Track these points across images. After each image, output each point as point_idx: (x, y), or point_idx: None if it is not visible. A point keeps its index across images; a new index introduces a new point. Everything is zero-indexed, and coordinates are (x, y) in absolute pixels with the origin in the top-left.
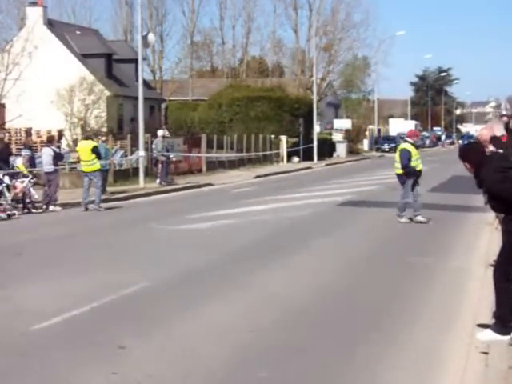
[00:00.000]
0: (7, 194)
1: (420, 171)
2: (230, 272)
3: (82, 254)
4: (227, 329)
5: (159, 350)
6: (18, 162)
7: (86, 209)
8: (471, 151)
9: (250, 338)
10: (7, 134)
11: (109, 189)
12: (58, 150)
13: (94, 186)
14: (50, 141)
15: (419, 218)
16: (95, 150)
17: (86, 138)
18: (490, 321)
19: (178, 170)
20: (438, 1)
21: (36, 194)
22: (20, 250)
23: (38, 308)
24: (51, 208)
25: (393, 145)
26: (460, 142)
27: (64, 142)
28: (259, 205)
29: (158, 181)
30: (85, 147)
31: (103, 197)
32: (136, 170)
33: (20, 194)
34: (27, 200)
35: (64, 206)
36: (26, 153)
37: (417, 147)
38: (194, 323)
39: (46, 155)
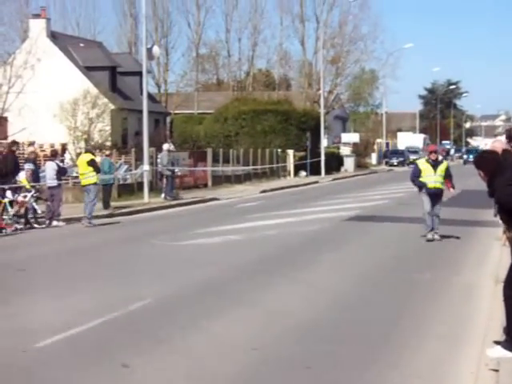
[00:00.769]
0: (10, 208)
1: (433, 189)
2: (236, 288)
3: (85, 270)
4: (232, 346)
5: (163, 368)
6: (21, 176)
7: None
8: (487, 160)
9: (255, 356)
10: (16, 146)
11: (113, 203)
12: (61, 164)
13: (87, 199)
14: (53, 155)
15: (428, 236)
16: (91, 163)
17: (86, 151)
18: (501, 337)
19: (184, 184)
20: (447, 13)
21: (39, 209)
22: (23, 265)
23: (40, 325)
24: (54, 223)
25: (401, 159)
26: (465, 157)
27: (67, 156)
28: (266, 220)
29: (162, 195)
30: (82, 160)
31: (106, 212)
32: (140, 185)
33: (23, 209)
34: (30, 215)
35: (67, 220)
36: (29, 166)
37: (435, 165)
38: (198, 340)
39: (49, 169)
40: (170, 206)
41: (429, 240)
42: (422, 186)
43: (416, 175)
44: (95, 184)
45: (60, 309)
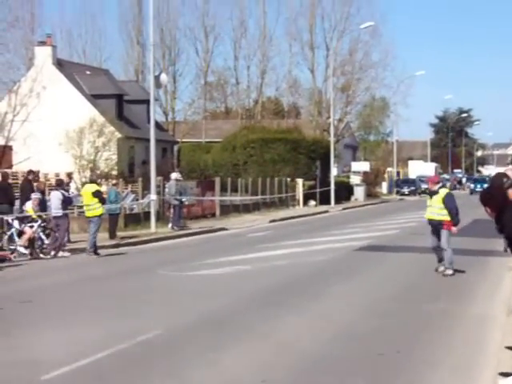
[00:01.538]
0: (17, 239)
1: (429, 220)
2: (244, 319)
3: (93, 301)
4: (240, 378)
5: None
6: (28, 206)
7: (96, 254)
8: (493, 196)
9: None
10: (32, 175)
11: (119, 234)
12: (66, 194)
13: (89, 230)
14: (58, 184)
15: (439, 268)
16: (97, 194)
17: (91, 181)
18: None
19: (191, 214)
20: (459, 41)
21: (47, 240)
22: (29, 297)
23: (47, 357)
24: (60, 253)
25: (413, 188)
26: (472, 186)
27: (73, 186)
28: (275, 250)
29: (170, 225)
30: (87, 191)
31: (113, 242)
32: (147, 214)
33: (29, 240)
34: (38, 244)
35: (73, 251)
36: (36, 196)
37: (431, 194)
38: (207, 373)
39: (54, 199)
40: (177, 236)
41: (440, 272)
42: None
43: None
44: (100, 216)
45: (66, 340)
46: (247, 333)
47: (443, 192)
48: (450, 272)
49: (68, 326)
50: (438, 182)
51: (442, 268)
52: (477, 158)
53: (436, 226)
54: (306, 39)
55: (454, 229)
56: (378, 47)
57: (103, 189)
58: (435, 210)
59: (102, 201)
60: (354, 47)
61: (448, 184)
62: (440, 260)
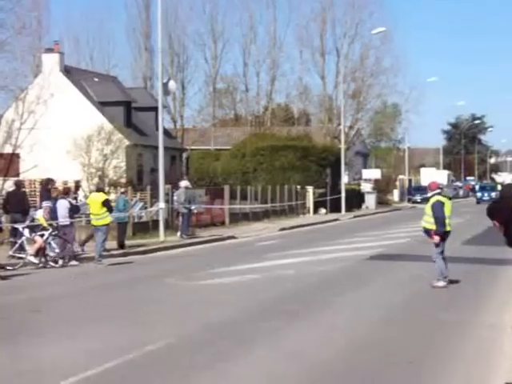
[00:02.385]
0: (27, 247)
1: (424, 229)
2: (254, 329)
3: (101, 310)
4: None
5: None
6: (38, 214)
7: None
8: (499, 209)
9: None
10: (52, 184)
11: (127, 242)
12: (74, 202)
13: (98, 239)
14: (65, 192)
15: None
16: (106, 204)
17: (98, 190)
18: None
19: (200, 222)
20: (471, 47)
21: (57, 248)
22: (38, 306)
23: (54, 367)
24: (69, 262)
25: (425, 195)
26: (479, 195)
27: (81, 194)
28: (285, 259)
29: (178, 234)
30: (95, 200)
31: (121, 251)
32: (156, 223)
33: (39, 249)
34: (49, 254)
35: (81, 260)
36: (46, 204)
37: (426, 201)
38: (215, 382)
39: (61, 207)
40: (186, 245)
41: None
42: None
43: None
44: (108, 225)
45: (74, 350)
46: (256, 343)
47: (433, 199)
48: (440, 284)
49: (76, 336)
50: (434, 189)
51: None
52: (490, 164)
53: (426, 234)
54: (316, 45)
55: (436, 238)
56: (389, 53)
57: (111, 197)
58: (426, 218)
59: (110, 210)
60: (365, 53)
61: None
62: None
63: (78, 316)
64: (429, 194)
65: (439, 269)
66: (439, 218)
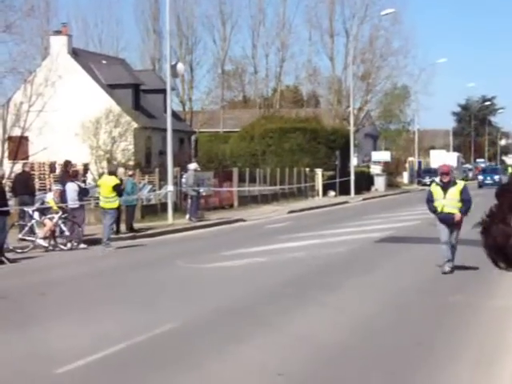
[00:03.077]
0: (37, 230)
1: (443, 214)
2: (262, 312)
3: (108, 293)
4: (257, 371)
5: None
6: (48, 197)
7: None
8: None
9: (280, 381)
10: (70, 165)
11: (136, 225)
12: (82, 185)
13: (106, 222)
14: (74, 175)
15: (445, 268)
16: (116, 188)
17: (110, 173)
18: None
19: (209, 205)
20: (481, 27)
21: (67, 231)
22: (46, 289)
23: (62, 350)
24: (78, 245)
25: (434, 178)
26: (481, 178)
27: (90, 177)
28: (294, 241)
29: (187, 216)
30: (106, 183)
31: (130, 234)
32: (164, 206)
33: (49, 232)
34: (57, 235)
35: (90, 243)
36: (57, 187)
37: (444, 187)
38: (225, 365)
39: (70, 191)
40: (194, 228)
41: (444, 273)
42: (434, 211)
43: (429, 199)
44: (117, 208)
45: (82, 334)
46: (264, 325)
47: (460, 184)
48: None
49: (84, 319)
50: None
51: (447, 268)
52: (500, 146)
53: (451, 222)
54: (325, 27)
55: (458, 214)
56: (398, 34)
57: (123, 178)
58: (450, 202)
59: (120, 194)
60: (375, 34)
61: (470, 174)
62: (449, 260)
63: (86, 299)
64: (445, 179)
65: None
66: (470, 202)
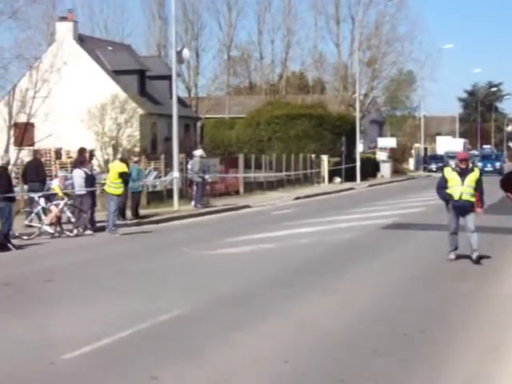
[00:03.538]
0: (43, 217)
1: (460, 201)
2: (267, 298)
3: (114, 280)
4: (262, 359)
5: (193, 380)
6: (54, 184)
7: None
8: None
9: (286, 369)
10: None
11: (142, 211)
12: (89, 172)
13: (110, 209)
14: (81, 162)
15: (450, 256)
16: (121, 175)
17: (122, 159)
18: None
19: (214, 191)
20: (488, 13)
21: (73, 218)
22: (51, 276)
23: (67, 337)
24: (84, 232)
25: (440, 164)
26: (479, 165)
27: (95, 163)
28: (299, 228)
29: (193, 203)
30: (114, 168)
31: (135, 220)
32: (170, 192)
33: (55, 218)
34: (63, 221)
35: (96, 229)
36: (62, 174)
37: (462, 173)
38: (228, 353)
39: (76, 177)
40: (200, 214)
41: (450, 259)
42: (447, 199)
43: (442, 186)
44: (120, 195)
45: (87, 320)
46: (270, 312)
47: (477, 170)
48: (476, 255)
49: (89, 305)
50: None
51: (452, 256)
52: (507, 133)
53: (467, 209)
54: (331, 12)
55: (480, 210)
56: (404, 20)
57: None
58: (467, 189)
59: (126, 183)
60: (380, 20)
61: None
62: (455, 248)
63: (92, 285)
64: (463, 165)
65: (478, 240)
66: (483, 189)
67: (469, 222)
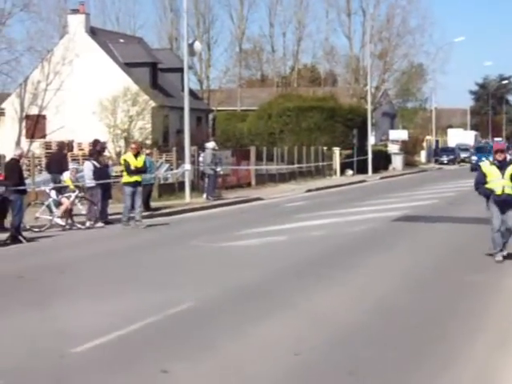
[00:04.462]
0: (54, 209)
1: (503, 195)
2: (280, 291)
3: (125, 272)
4: (274, 351)
5: (204, 373)
6: (65, 176)
7: (129, 223)
8: None
9: (297, 361)
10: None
11: (153, 204)
12: (97, 165)
13: (135, 201)
14: (90, 154)
15: (497, 258)
16: (124, 163)
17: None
18: None
19: (226, 183)
20: (499, 5)
21: (84, 210)
22: (63, 268)
23: (79, 329)
24: (95, 224)
25: (452, 156)
26: (474, 158)
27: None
28: (311, 220)
29: (204, 195)
30: (123, 157)
31: (147, 213)
32: (182, 185)
33: (66, 210)
34: (73, 214)
35: (108, 222)
36: (74, 166)
37: (501, 166)
38: (241, 344)
39: (86, 170)
40: (212, 207)
41: (498, 262)
42: (488, 195)
43: (481, 181)
44: (125, 184)
45: (99, 312)
46: (282, 305)
47: None
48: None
49: (99, 298)
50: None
51: (500, 257)
52: None
53: (508, 203)
54: (342, 5)
55: None
56: (416, 13)
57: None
58: (509, 183)
59: (128, 172)
60: (392, 13)
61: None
62: (502, 248)
63: (103, 278)
64: (500, 157)
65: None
66: None
67: (510, 219)
